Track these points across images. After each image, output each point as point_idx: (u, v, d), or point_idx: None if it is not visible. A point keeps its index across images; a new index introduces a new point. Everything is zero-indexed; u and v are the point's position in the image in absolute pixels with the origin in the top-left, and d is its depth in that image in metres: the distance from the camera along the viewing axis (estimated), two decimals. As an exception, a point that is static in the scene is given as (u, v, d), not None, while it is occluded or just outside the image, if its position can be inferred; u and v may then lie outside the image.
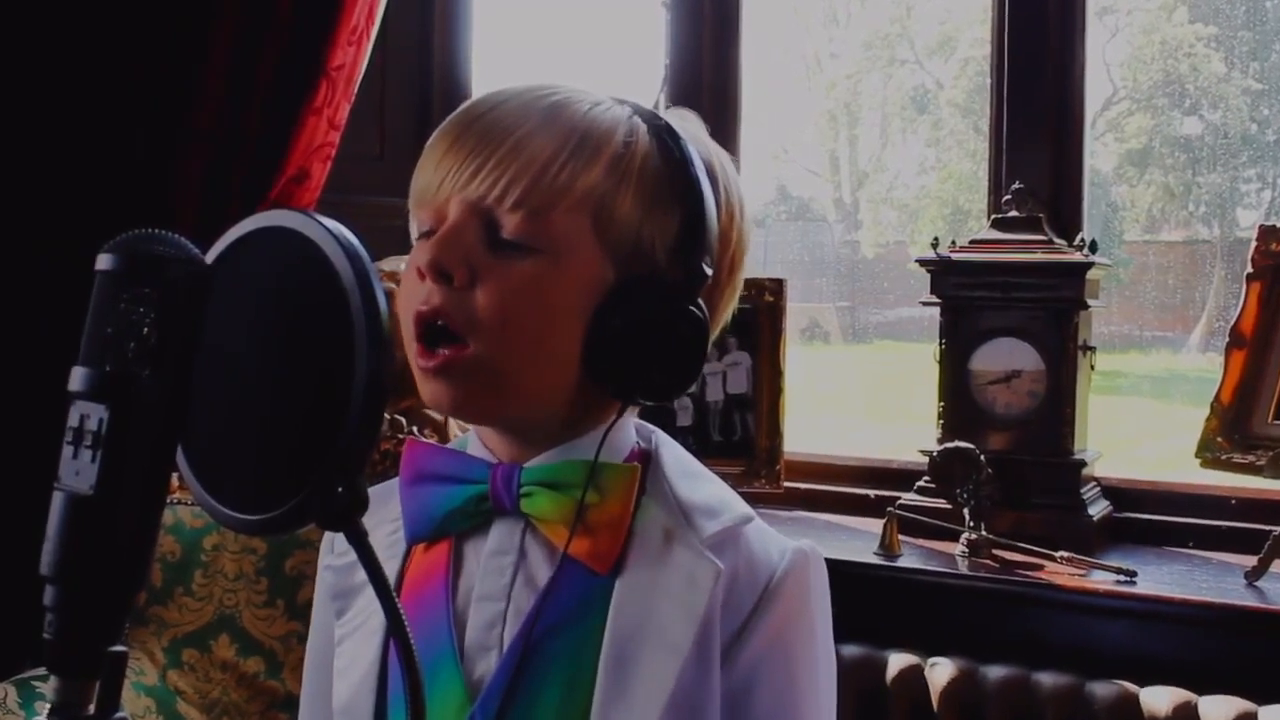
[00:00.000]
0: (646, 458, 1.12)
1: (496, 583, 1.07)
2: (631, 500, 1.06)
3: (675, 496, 1.08)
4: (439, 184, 1.04)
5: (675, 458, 1.13)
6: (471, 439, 1.14)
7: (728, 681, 1.05)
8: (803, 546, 1.10)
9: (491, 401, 1.05)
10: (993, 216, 2.39)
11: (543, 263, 1.02)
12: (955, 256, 2.33)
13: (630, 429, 1.13)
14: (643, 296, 1.03)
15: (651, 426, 1.16)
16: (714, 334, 1.11)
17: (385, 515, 1.14)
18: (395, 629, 0.75)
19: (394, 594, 0.75)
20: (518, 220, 1.01)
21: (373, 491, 1.18)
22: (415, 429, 2.23)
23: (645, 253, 1.05)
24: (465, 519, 1.09)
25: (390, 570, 1.12)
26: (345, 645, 1.13)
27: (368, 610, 1.13)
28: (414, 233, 1.08)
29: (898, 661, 2.08)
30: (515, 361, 1.02)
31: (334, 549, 1.17)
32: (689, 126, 1.13)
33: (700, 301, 1.04)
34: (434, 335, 1.02)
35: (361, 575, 1.08)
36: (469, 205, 1.02)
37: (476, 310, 1.01)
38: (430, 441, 1.17)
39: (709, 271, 1.05)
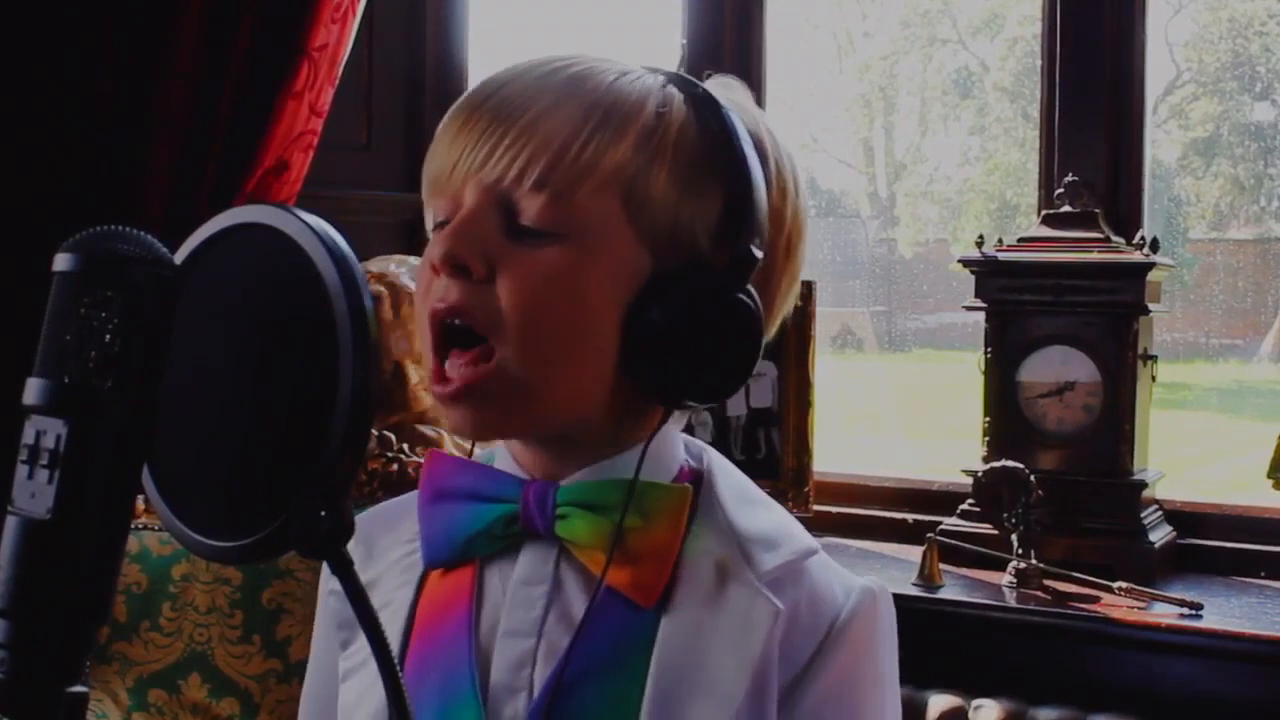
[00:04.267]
0: (698, 479, 1.09)
1: (526, 616, 1.05)
2: (681, 526, 1.04)
3: (731, 525, 1.06)
4: (451, 168, 1.02)
5: (731, 480, 1.11)
6: (500, 452, 1.13)
7: None
8: (870, 585, 1.09)
9: (520, 419, 1.03)
10: (1044, 212, 2.39)
11: (569, 251, 1.00)
12: (1002, 256, 2.33)
13: (678, 444, 1.11)
14: (685, 286, 1.01)
15: (702, 444, 1.13)
16: (773, 328, 1.10)
17: (400, 535, 1.13)
18: (386, 673, 0.74)
19: (386, 639, 0.74)
20: (539, 204, 0.99)
21: (386, 507, 1.18)
22: (406, 446, 2.23)
23: (685, 238, 1.02)
24: (491, 542, 1.07)
25: (403, 597, 1.10)
26: (352, 680, 1.12)
27: None
28: (429, 223, 1.07)
29: (939, 703, 2.07)
30: (544, 366, 1.00)
31: None
32: (733, 95, 1.10)
33: (751, 290, 1.02)
34: (452, 339, 1.01)
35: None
36: (485, 189, 1.01)
37: (498, 306, 0.99)
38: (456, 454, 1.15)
39: (758, 255, 1.03)
